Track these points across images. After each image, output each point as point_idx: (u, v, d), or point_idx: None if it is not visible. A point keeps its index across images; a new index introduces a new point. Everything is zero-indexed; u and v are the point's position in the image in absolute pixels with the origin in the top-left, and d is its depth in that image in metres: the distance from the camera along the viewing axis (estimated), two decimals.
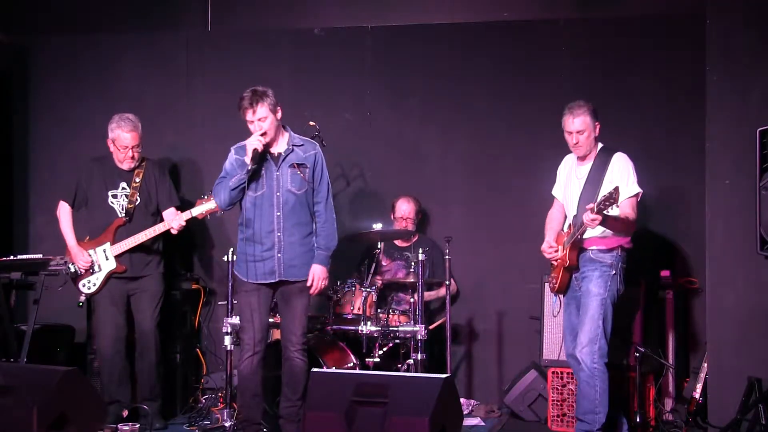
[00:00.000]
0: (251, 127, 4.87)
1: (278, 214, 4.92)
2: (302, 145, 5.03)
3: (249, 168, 4.84)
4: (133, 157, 5.58)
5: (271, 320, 5.29)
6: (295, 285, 4.99)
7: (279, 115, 4.91)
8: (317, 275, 4.99)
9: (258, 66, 6.59)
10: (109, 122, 5.58)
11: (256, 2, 6.82)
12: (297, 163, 4.96)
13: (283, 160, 4.95)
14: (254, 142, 4.84)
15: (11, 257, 5.31)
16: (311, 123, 5.91)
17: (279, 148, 4.97)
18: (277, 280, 4.95)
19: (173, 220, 5.55)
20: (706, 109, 5.28)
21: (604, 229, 4.80)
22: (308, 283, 4.98)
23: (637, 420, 5.28)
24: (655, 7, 6.24)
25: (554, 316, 5.54)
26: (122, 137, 5.52)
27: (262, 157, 4.90)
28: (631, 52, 6.17)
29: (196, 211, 5.53)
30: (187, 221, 5.56)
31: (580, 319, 4.91)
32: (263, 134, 4.85)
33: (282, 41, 6.65)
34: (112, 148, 5.60)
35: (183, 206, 5.73)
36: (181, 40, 6.70)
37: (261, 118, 4.84)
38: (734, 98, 5.15)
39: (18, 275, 5.21)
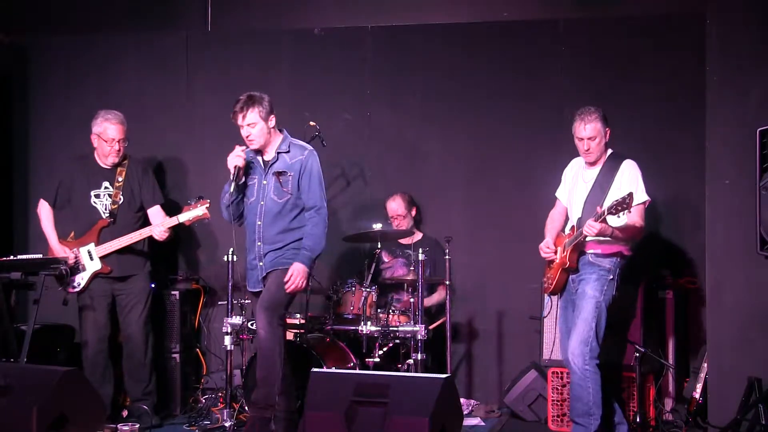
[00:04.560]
0: (241, 132, 4.78)
1: (259, 223, 4.86)
2: (288, 151, 4.89)
3: (231, 186, 4.73)
4: (118, 151, 5.57)
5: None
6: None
7: (272, 122, 4.80)
8: (296, 271, 4.83)
9: (258, 66, 6.59)
10: (93, 119, 5.58)
11: (256, 2, 6.82)
12: (278, 172, 4.86)
13: (269, 167, 4.87)
14: (234, 159, 4.75)
15: (11, 257, 5.31)
16: (311, 123, 5.91)
17: (269, 155, 4.90)
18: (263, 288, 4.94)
19: (155, 226, 5.51)
20: (706, 109, 5.28)
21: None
22: (285, 279, 4.83)
23: (637, 420, 5.28)
24: (655, 7, 6.23)
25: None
26: (109, 129, 5.52)
27: (246, 169, 4.80)
28: (631, 52, 6.16)
29: (183, 217, 5.43)
30: (175, 227, 5.51)
31: (574, 320, 4.92)
32: (244, 149, 4.74)
33: (282, 41, 6.65)
34: (96, 143, 5.59)
35: (181, 208, 5.72)
36: (181, 40, 6.70)
37: (250, 124, 4.75)
38: (734, 98, 5.14)
39: (18, 275, 5.20)
